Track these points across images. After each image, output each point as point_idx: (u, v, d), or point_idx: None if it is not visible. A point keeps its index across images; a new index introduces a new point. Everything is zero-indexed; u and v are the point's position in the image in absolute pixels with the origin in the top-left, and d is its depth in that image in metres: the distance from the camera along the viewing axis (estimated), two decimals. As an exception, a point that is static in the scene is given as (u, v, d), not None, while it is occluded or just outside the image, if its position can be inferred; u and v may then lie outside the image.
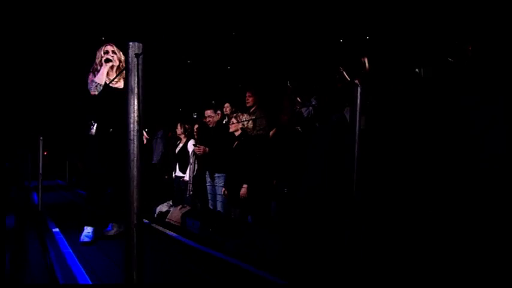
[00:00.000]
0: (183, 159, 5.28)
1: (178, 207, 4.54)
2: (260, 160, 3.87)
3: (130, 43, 0.98)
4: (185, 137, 5.27)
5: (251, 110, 4.69)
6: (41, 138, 4.74)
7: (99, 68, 3.12)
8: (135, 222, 0.94)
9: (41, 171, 4.64)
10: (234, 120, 4.12)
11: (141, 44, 0.99)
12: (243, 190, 3.82)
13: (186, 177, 5.16)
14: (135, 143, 0.96)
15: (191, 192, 5.02)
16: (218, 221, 3.70)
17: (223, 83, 8.66)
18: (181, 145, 5.37)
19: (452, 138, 1.95)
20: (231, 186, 3.93)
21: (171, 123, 6.09)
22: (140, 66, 0.97)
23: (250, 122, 4.29)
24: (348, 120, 2.99)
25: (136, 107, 0.96)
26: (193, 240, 3.24)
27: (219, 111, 4.93)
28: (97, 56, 3.17)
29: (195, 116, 6.54)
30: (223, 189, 4.01)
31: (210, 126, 4.78)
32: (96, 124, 3.14)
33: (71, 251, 2.62)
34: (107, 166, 3.08)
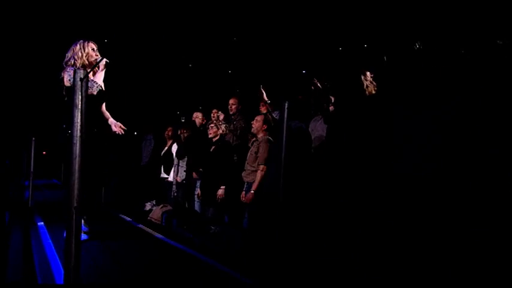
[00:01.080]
0: (167, 161, 5.59)
1: (160, 206, 4.82)
2: (236, 164, 4.17)
3: (77, 70, 1.28)
4: (169, 140, 5.58)
5: (233, 117, 5.01)
6: (34, 138, 5.06)
7: (86, 63, 3.00)
8: (75, 205, 1.23)
9: (32, 170, 4.94)
10: (213, 126, 4.43)
11: (85, 71, 1.28)
12: (220, 191, 4.11)
13: (170, 178, 5.45)
14: (77, 145, 1.25)
15: (175, 194, 5.31)
16: (193, 220, 3.99)
17: (216, 88, 8.98)
18: (166, 148, 5.69)
19: (378, 146, 2.24)
20: (207, 188, 4.23)
21: (161, 126, 6.40)
22: (84, 88, 1.26)
23: (227, 128, 4.60)
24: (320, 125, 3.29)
25: (79, 119, 1.24)
26: (165, 236, 3.52)
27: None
28: (81, 52, 3.01)
29: (183, 120, 6.83)
30: (198, 190, 4.31)
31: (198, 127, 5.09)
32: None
33: (50, 241, 2.91)
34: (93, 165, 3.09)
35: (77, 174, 1.25)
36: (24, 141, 5.68)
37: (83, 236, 2.93)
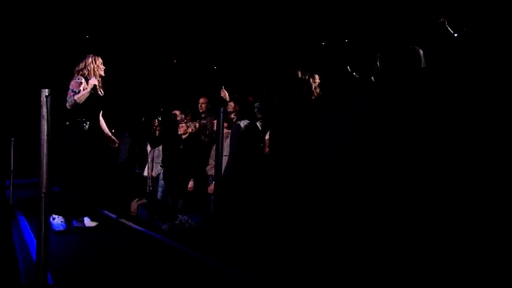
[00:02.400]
0: (142, 158, 5.96)
1: (136, 200, 5.20)
2: (203, 159, 4.58)
3: (42, 90, 1.66)
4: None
5: (202, 116, 5.39)
6: (13, 139, 5.32)
7: (96, 74, 3.51)
8: (44, 191, 1.62)
9: (12, 169, 5.22)
10: (183, 125, 4.81)
11: (49, 90, 1.67)
12: (190, 184, 4.51)
13: (145, 173, 5.82)
14: (45, 146, 1.64)
15: (150, 188, 5.68)
16: (164, 210, 4.40)
17: (193, 86, 9.29)
18: (138, 146, 6.06)
19: (305, 143, 2.70)
20: (177, 181, 4.63)
21: (136, 124, 6.73)
22: (49, 103, 1.64)
23: (197, 126, 5.00)
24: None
25: (46, 128, 1.63)
26: (136, 224, 3.93)
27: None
28: (93, 64, 3.53)
29: (160, 118, 7.15)
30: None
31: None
32: (89, 123, 3.49)
33: (29, 230, 3.27)
34: (94, 160, 3.55)
35: (45, 167, 1.64)
36: (3, 143, 5.91)
37: (63, 226, 3.30)
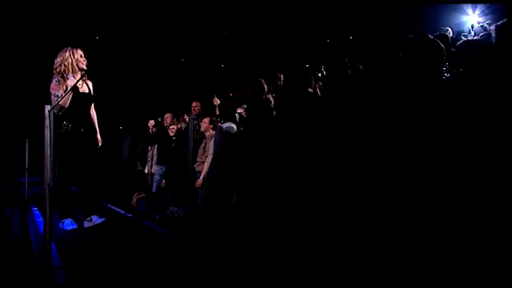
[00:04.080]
0: (143, 156, 6.55)
1: (135, 194, 5.79)
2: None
3: (46, 106, 2.20)
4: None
5: (194, 117, 5.94)
6: (27, 140, 5.97)
7: (76, 69, 3.28)
8: (48, 182, 2.16)
9: (27, 168, 5.88)
10: (173, 126, 5.36)
11: (50, 105, 2.21)
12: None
13: (146, 170, 6.41)
14: (48, 149, 2.18)
15: (150, 183, 6.27)
16: (158, 202, 4.96)
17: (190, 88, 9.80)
18: (142, 145, 6.64)
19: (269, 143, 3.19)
20: (170, 178, 5.19)
21: (138, 125, 7.32)
22: (51, 117, 2.18)
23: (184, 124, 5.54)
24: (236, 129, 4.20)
25: (48, 135, 2.18)
26: (132, 213, 4.51)
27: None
28: (71, 58, 3.26)
29: (160, 119, 7.72)
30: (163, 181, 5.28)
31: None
32: (70, 125, 3.33)
33: (41, 219, 3.86)
34: (79, 162, 3.44)
35: (49, 164, 2.19)
36: (19, 144, 6.55)
37: (74, 224, 3.40)
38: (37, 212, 4.39)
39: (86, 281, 2.14)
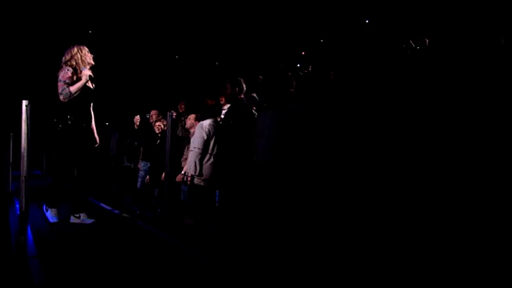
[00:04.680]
0: (129, 152, 6.60)
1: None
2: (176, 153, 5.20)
3: (23, 101, 2.27)
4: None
5: (182, 118, 6.01)
6: (11, 134, 5.97)
7: (85, 63, 3.42)
8: (25, 175, 2.23)
9: (11, 161, 5.88)
10: (159, 123, 5.42)
11: (28, 101, 2.28)
12: (163, 175, 5.14)
13: (132, 166, 6.47)
14: (24, 142, 2.25)
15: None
16: (141, 197, 5.04)
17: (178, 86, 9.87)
18: (128, 141, 6.69)
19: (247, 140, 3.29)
20: (154, 173, 5.25)
21: (125, 122, 7.36)
22: (28, 111, 2.25)
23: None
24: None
25: (25, 129, 2.24)
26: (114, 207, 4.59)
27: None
28: (79, 53, 3.42)
29: (148, 116, 7.78)
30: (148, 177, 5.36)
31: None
32: (73, 118, 3.38)
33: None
34: (79, 154, 3.46)
35: (26, 157, 2.26)
36: (4, 137, 6.54)
37: (56, 218, 3.41)
38: (18, 205, 4.43)
39: (59, 271, 2.21)
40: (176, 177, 4.72)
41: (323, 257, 2.56)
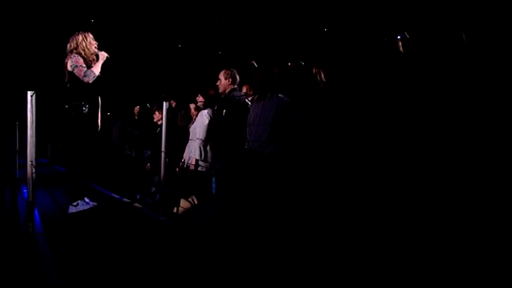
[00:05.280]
0: (131, 141, 6.82)
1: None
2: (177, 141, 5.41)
3: (28, 91, 2.45)
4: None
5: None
6: (18, 123, 6.20)
7: (90, 51, 3.37)
8: (31, 160, 2.44)
9: (17, 149, 6.13)
10: (157, 112, 5.61)
11: (34, 91, 2.46)
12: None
13: (133, 154, 6.70)
14: (30, 130, 2.45)
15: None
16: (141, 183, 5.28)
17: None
18: (129, 129, 6.91)
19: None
20: (154, 161, 5.47)
21: (126, 110, 7.56)
22: (33, 101, 2.43)
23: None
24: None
25: (30, 118, 2.44)
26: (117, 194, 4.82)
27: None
28: (84, 41, 3.35)
29: (148, 106, 7.96)
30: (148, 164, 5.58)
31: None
32: (88, 106, 3.33)
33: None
34: (92, 144, 3.42)
35: (31, 143, 2.46)
36: (10, 126, 6.77)
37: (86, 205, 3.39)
38: (25, 189, 4.68)
39: (64, 248, 2.44)
40: (176, 165, 4.97)
41: (312, 244, 2.73)
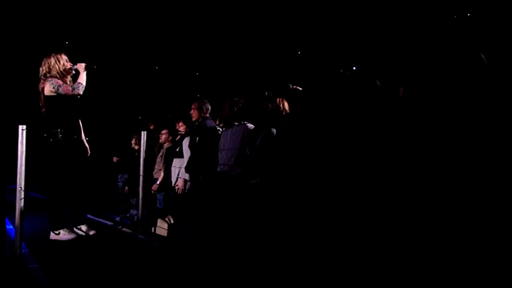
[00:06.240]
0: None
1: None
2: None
3: (20, 125, 2.77)
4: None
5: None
6: None
7: (64, 73, 3.30)
8: (21, 186, 2.73)
9: None
10: (135, 139, 5.94)
11: (25, 126, 2.79)
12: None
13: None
14: (21, 159, 2.76)
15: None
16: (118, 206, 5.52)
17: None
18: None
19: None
20: (132, 184, 5.75)
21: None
22: (24, 135, 2.76)
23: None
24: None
25: (22, 149, 2.75)
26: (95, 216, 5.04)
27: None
28: (57, 64, 3.27)
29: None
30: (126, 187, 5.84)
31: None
32: (63, 131, 3.26)
33: (8, 220, 4.31)
34: (72, 170, 3.33)
35: (22, 173, 2.76)
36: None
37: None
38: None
39: (51, 264, 2.71)
40: (152, 187, 5.28)
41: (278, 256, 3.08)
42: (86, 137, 3.61)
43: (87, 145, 3.60)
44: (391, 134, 2.63)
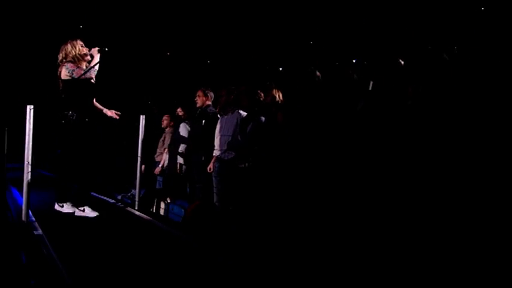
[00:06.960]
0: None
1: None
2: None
3: (27, 106, 3.00)
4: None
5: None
6: (6, 129, 6.62)
7: (80, 58, 3.43)
8: (29, 161, 2.99)
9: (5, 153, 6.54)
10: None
11: (32, 106, 3.02)
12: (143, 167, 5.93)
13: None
14: (28, 136, 3.01)
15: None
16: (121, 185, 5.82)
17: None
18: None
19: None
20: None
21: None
22: (32, 114, 3.00)
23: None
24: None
25: (29, 128, 3.00)
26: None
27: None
28: (74, 50, 3.41)
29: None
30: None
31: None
32: (75, 115, 3.40)
33: (18, 193, 4.64)
34: (81, 150, 3.47)
35: (29, 151, 3.02)
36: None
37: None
38: (15, 190, 5.16)
39: (55, 231, 2.99)
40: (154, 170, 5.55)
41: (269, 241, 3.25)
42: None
43: (112, 113, 3.77)
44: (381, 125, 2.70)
